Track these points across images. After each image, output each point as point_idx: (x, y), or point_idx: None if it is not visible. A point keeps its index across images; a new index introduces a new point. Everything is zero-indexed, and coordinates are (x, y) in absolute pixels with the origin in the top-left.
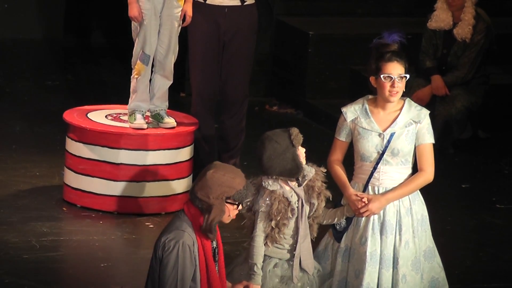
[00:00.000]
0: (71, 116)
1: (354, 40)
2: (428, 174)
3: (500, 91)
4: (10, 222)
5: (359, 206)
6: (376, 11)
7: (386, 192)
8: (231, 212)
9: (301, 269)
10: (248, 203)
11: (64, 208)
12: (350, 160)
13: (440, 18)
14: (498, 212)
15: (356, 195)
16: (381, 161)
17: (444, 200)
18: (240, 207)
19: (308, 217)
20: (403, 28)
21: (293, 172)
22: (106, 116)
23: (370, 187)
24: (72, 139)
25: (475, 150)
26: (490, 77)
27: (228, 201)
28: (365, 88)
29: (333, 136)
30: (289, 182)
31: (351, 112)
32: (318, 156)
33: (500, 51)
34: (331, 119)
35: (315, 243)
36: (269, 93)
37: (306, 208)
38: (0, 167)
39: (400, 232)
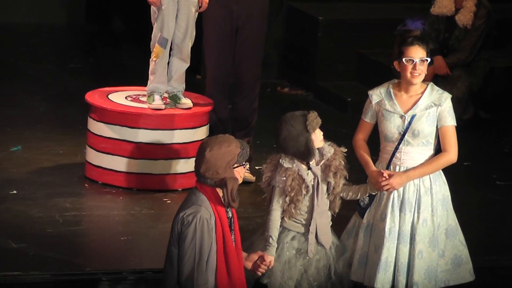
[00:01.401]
0: (93, 97)
1: (362, 24)
2: (451, 154)
3: (501, 74)
4: (34, 198)
5: (380, 180)
6: None
7: (409, 169)
8: (240, 173)
9: (319, 243)
10: (267, 178)
11: (86, 185)
12: (374, 143)
13: (443, 4)
14: (498, 188)
15: (378, 171)
16: (403, 142)
17: (447, 177)
18: (247, 165)
19: (328, 195)
20: (407, 13)
21: (305, 156)
22: (126, 97)
23: (392, 166)
24: (93, 119)
25: (477, 130)
26: (490, 60)
27: (235, 166)
28: (372, 70)
29: (341, 117)
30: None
31: (376, 95)
32: (327, 135)
33: (500, 36)
34: (340, 100)
35: (338, 219)
36: (281, 75)
37: (323, 186)
38: (25, 146)
39: (419, 210)
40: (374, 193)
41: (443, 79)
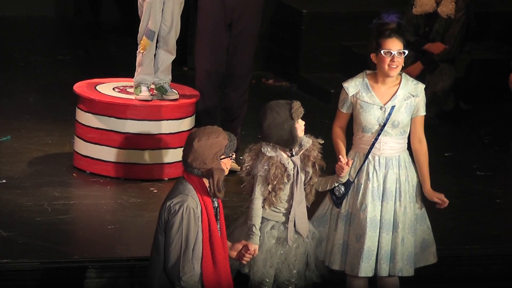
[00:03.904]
0: (81, 88)
1: (344, 18)
2: (425, 144)
3: (480, 66)
4: (24, 187)
5: (344, 167)
6: None
7: (424, 183)
8: (227, 165)
9: (296, 232)
10: (248, 167)
11: (74, 174)
12: (349, 130)
13: (423, 3)
14: (478, 178)
15: (341, 158)
16: (382, 132)
17: (429, 168)
18: (233, 156)
19: (304, 184)
20: (388, 7)
21: (288, 143)
22: (113, 89)
23: (370, 156)
24: (81, 109)
25: (457, 121)
26: (470, 52)
27: (222, 157)
28: (354, 62)
29: (325, 108)
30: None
31: (352, 87)
32: (311, 125)
33: (479, 29)
34: (324, 92)
35: (313, 209)
36: (266, 67)
37: (302, 175)
38: (15, 136)
39: (400, 198)
40: (337, 184)
41: (430, 73)
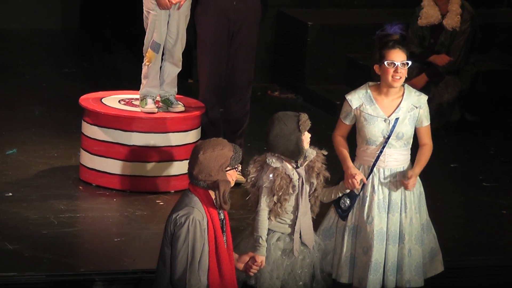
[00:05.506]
0: (87, 101)
1: (350, 30)
2: (430, 145)
3: (486, 77)
4: (30, 200)
5: (356, 185)
6: (371, 3)
7: (414, 169)
8: (233, 176)
9: (302, 243)
10: (253, 179)
11: (80, 187)
12: (352, 142)
13: (429, 15)
14: (484, 189)
15: (353, 171)
16: (387, 145)
17: (435, 178)
18: (239, 167)
19: (309, 196)
20: (393, 19)
21: (294, 154)
22: (119, 101)
23: (375, 169)
24: (87, 122)
25: (463, 132)
26: (476, 64)
27: (227, 169)
28: (360, 74)
29: (330, 120)
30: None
31: (356, 99)
32: (316, 137)
33: (484, 40)
34: (329, 104)
35: (318, 220)
36: (271, 79)
37: (306, 186)
38: (21, 149)
39: (405, 209)
40: (342, 194)
41: (435, 85)
